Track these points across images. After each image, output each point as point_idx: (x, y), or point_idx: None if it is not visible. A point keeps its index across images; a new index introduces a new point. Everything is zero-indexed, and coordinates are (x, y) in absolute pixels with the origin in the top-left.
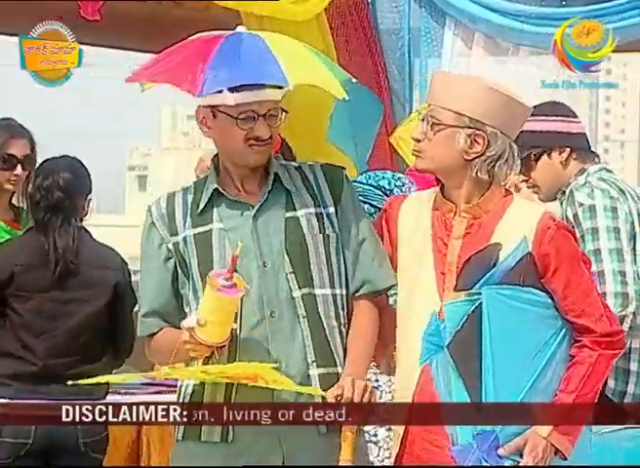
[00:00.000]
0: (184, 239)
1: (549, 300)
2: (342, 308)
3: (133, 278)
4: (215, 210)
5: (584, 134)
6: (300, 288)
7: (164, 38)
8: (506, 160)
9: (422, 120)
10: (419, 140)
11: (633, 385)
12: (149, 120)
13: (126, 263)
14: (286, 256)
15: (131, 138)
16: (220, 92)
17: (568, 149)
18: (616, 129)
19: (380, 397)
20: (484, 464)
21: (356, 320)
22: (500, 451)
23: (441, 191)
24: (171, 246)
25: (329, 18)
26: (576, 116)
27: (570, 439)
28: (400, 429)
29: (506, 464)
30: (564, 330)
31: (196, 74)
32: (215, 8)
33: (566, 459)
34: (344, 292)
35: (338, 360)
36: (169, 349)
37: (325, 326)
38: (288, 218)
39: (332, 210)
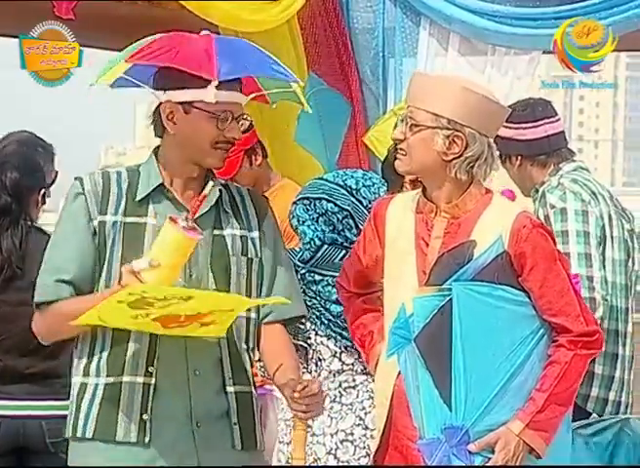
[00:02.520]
0: (113, 224)
1: (526, 299)
2: (253, 333)
3: None
4: (151, 204)
5: (544, 137)
6: None
7: (139, 37)
8: (485, 160)
9: (402, 121)
10: (400, 140)
11: (597, 388)
12: (124, 119)
13: None
14: (210, 273)
15: (106, 138)
16: (203, 87)
17: (519, 157)
18: (589, 128)
19: (357, 396)
20: (453, 459)
21: (274, 340)
22: (471, 447)
23: (423, 192)
24: (96, 223)
25: (298, 18)
26: (535, 120)
27: (544, 436)
28: (381, 424)
29: (477, 461)
30: (542, 329)
31: (209, 60)
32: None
33: (540, 458)
34: (257, 317)
35: (249, 380)
36: (80, 310)
37: (238, 346)
38: (215, 235)
39: (256, 234)
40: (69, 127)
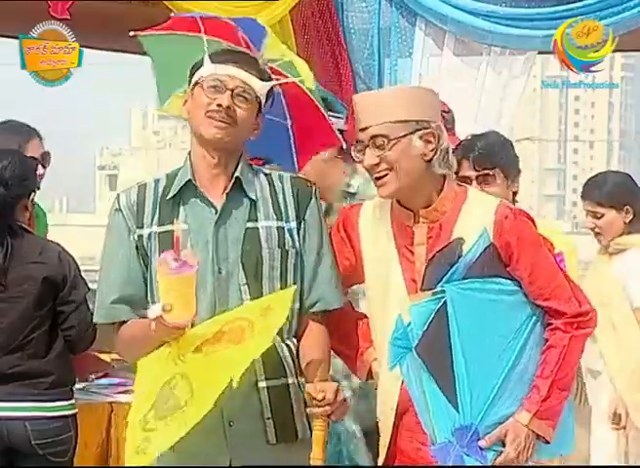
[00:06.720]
0: (149, 235)
1: (517, 287)
2: (290, 322)
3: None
4: (181, 207)
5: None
6: (251, 299)
7: (133, 37)
8: (450, 147)
9: (365, 147)
10: (376, 165)
11: None
12: (119, 119)
13: (69, 257)
14: (241, 268)
15: (101, 138)
16: (202, 66)
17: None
18: (585, 129)
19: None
20: (465, 458)
21: (311, 334)
22: (482, 443)
23: (397, 201)
24: (136, 237)
25: (292, 19)
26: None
27: (550, 423)
28: (387, 436)
29: (488, 456)
30: (535, 315)
31: None
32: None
33: (548, 443)
34: (295, 307)
35: (287, 370)
36: (141, 341)
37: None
38: (248, 229)
39: (293, 225)
40: (67, 127)
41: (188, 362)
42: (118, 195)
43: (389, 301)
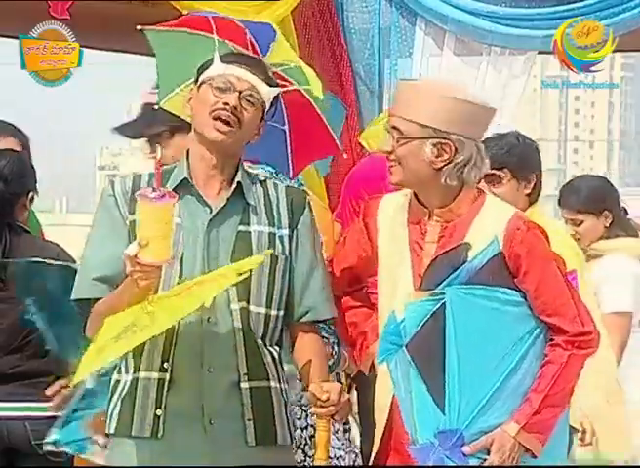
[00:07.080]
0: None
1: (522, 299)
2: (274, 329)
3: None
4: (177, 202)
5: None
6: (238, 301)
7: (133, 37)
8: (475, 163)
9: (388, 132)
10: (389, 152)
11: None
12: (119, 119)
13: (68, 258)
14: None
15: (101, 138)
16: (212, 65)
17: None
18: (585, 129)
19: None
20: (447, 461)
21: (305, 343)
22: (466, 450)
23: (414, 195)
24: (127, 223)
25: (293, 19)
26: None
27: (541, 438)
28: (380, 429)
29: (472, 462)
30: (539, 328)
31: None
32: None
33: (535, 458)
34: (280, 314)
35: (270, 375)
36: (113, 306)
37: (256, 342)
38: (240, 232)
39: (285, 232)
40: (67, 127)
41: (157, 304)
42: (112, 181)
43: (397, 296)
